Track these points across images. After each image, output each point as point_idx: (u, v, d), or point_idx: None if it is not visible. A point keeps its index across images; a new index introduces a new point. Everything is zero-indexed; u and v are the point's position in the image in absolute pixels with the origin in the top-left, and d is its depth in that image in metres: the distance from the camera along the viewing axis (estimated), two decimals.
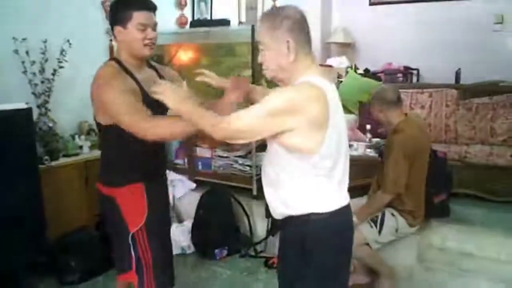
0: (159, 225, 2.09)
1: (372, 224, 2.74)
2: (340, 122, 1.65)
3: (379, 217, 2.76)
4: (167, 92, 1.69)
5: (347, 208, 1.73)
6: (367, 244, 2.73)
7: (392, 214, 2.79)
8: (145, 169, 2.02)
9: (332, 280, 1.72)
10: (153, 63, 2.13)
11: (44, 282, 3.03)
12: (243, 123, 1.56)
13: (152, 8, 1.92)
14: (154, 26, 1.92)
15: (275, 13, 1.64)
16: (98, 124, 1.97)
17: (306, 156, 1.59)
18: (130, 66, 1.93)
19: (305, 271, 1.69)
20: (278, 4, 6.04)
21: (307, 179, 1.63)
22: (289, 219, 1.69)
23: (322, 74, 1.66)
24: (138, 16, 1.86)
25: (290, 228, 1.73)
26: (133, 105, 1.80)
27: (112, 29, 1.93)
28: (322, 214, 1.64)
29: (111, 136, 1.95)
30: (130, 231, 1.95)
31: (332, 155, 1.62)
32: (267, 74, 1.67)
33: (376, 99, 2.82)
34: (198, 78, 2.05)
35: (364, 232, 2.71)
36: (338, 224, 1.69)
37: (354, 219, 2.61)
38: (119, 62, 1.93)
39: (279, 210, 1.71)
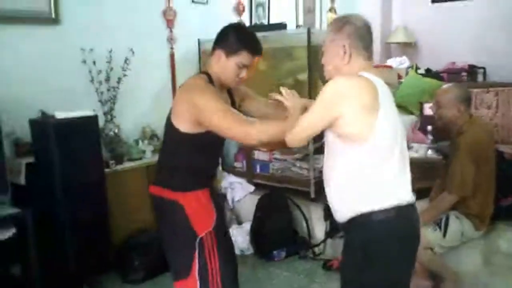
0: (223, 228, 2.12)
1: (436, 227, 2.66)
2: (394, 117, 1.72)
3: (443, 220, 2.68)
4: (292, 95, 1.91)
5: (412, 207, 1.72)
6: (431, 248, 2.66)
7: (457, 217, 2.70)
8: (209, 175, 2.08)
9: (394, 284, 1.72)
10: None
11: (109, 281, 3.18)
12: (305, 126, 1.71)
13: (260, 54, 1.97)
14: (250, 68, 1.99)
15: (340, 19, 1.79)
16: (176, 131, 1.94)
17: (359, 144, 1.63)
18: (216, 84, 1.98)
19: (365, 274, 1.67)
20: (336, 6, 6.02)
21: (363, 168, 1.66)
22: (352, 221, 1.70)
23: (376, 74, 1.72)
24: (245, 57, 1.92)
25: (352, 230, 1.73)
26: (232, 111, 1.86)
27: (215, 46, 1.97)
28: (385, 211, 1.64)
29: (186, 143, 1.95)
30: (198, 235, 1.94)
31: (386, 143, 1.65)
32: (325, 74, 1.80)
33: (457, 98, 2.71)
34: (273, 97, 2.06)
35: (428, 235, 2.63)
36: (403, 225, 1.69)
37: None
38: (209, 76, 1.97)
39: (345, 208, 1.73)
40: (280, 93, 1.94)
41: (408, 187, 1.73)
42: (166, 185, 2.01)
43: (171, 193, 1.98)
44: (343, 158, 1.69)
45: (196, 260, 1.96)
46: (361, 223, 1.67)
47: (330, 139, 1.74)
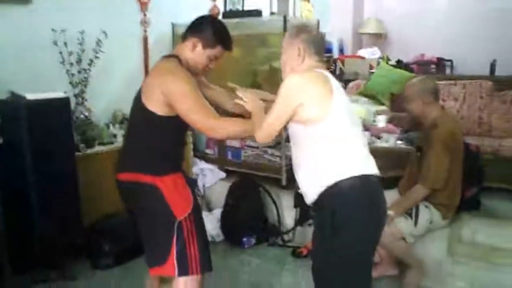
0: (199, 211, 2.15)
1: (407, 216, 2.74)
2: (348, 104, 1.97)
3: (414, 209, 2.75)
4: (251, 98, 2.06)
5: (372, 178, 1.88)
6: (403, 238, 2.73)
7: (426, 206, 2.79)
8: (180, 158, 2.13)
9: (359, 253, 1.87)
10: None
11: (79, 265, 3.14)
12: (271, 121, 1.89)
13: (231, 50, 2.11)
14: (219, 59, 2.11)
15: (298, 27, 2.08)
16: (150, 114, 1.95)
17: (319, 123, 1.84)
18: (185, 68, 2.02)
19: (334, 243, 1.83)
20: None
21: (326, 145, 1.85)
22: (324, 194, 1.85)
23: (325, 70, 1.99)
24: (219, 51, 2.06)
25: (322, 205, 1.88)
26: (204, 101, 1.94)
27: (190, 34, 2.05)
28: (352, 178, 1.81)
29: (160, 126, 1.97)
30: (177, 218, 1.96)
31: (343, 121, 1.87)
32: (283, 76, 2.01)
33: (422, 90, 2.77)
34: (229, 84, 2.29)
35: (400, 225, 2.71)
36: (370, 192, 1.87)
37: (391, 212, 2.64)
38: (180, 62, 2.02)
39: (314, 186, 1.89)
40: (240, 97, 2.09)
41: (371, 161, 1.93)
42: (141, 170, 2.00)
43: (148, 177, 1.98)
44: (307, 140, 1.90)
45: (174, 245, 1.97)
46: (329, 194, 1.84)
47: (293, 129, 1.94)
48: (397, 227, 2.70)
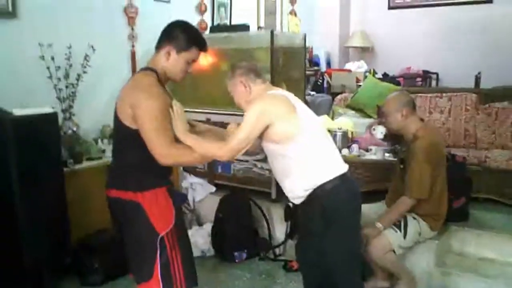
0: (183, 226, 2.13)
1: (396, 229, 2.75)
2: (308, 110, 2.21)
3: (402, 222, 2.77)
4: (179, 120, 1.98)
5: (348, 174, 2.19)
6: (392, 250, 2.74)
7: (414, 218, 2.80)
8: (165, 172, 2.06)
9: (352, 238, 2.23)
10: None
11: (67, 283, 3.09)
12: (237, 143, 2.02)
13: (206, 51, 2.07)
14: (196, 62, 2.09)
15: (231, 69, 2.29)
16: (125, 128, 1.95)
17: (292, 139, 2.06)
18: (162, 80, 2.01)
19: (328, 233, 2.12)
20: (296, 9, 6.09)
21: (304, 156, 2.10)
22: (310, 196, 2.13)
23: (277, 89, 2.25)
24: (194, 54, 2.02)
25: (311, 203, 2.14)
26: (166, 125, 1.92)
27: (162, 43, 2.00)
28: (334, 179, 2.10)
29: (137, 140, 1.93)
30: (159, 234, 1.94)
31: (316, 129, 2.15)
32: (243, 108, 2.21)
33: (399, 104, 2.80)
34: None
35: (389, 237, 2.72)
36: (348, 187, 2.16)
37: (379, 225, 2.66)
38: (157, 74, 1.99)
39: (300, 192, 2.15)
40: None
41: (341, 160, 2.21)
42: (123, 186, 1.99)
43: (128, 193, 1.97)
44: (286, 155, 2.11)
45: (158, 261, 1.95)
46: (316, 196, 2.11)
47: (269, 148, 2.16)
48: (386, 239, 2.71)
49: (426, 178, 2.69)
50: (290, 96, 2.16)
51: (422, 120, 2.91)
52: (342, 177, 2.13)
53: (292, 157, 2.10)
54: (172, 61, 1.99)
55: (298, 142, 2.08)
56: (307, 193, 2.14)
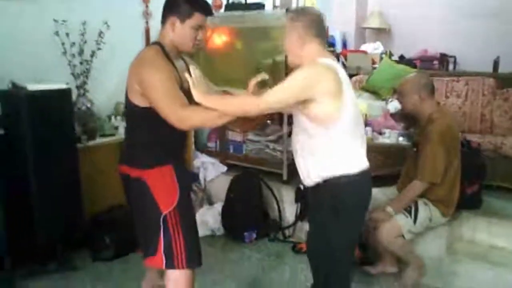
0: (188, 206, 2.13)
1: (407, 214, 2.74)
2: (353, 95, 1.99)
3: (413, 207, 2.76)
4: (196, 84, 1.90)
5: (368, 171, 2.05)
6: (402, 235, 2.74)
7: (425, 204, 2.79)
8: (174, 151, 2.08)
9: (354, 231, 2.12)
10: (183, 56, 2.14)
11: (79, 257, 3.15)
12: (273, 100, 1.87)
13: (211, 14, 2.03)
14: (204, 28, 2.02)
15: (296, 10, 2.11)
16: (132, 105, 1.97)
17: (328, 125, 1.91)
18: (171, 54, 1.99)
19: (334, 224, 2.01)
20: None
21: (335, 144, 1.94)
22: (323, 183, 1.99)
23: (333, 59, 2.02)
24: (198, 18, 1.96)
25: (323, 191, 2.01)
26: (173, 92, 1.87)
27: (166, 15, 1.99)
28: (350, 175, 1.96)
29: (145, 118, 1.96)
30: (162, 212, 1.97)
31: (352, 121, 1.95)
32: (289, 60, 2.06)
33: (417, 86, 2.77)
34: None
35: (399, 223, 2.71)
36: (363, 185, 2.05)
37: (390, 209, 2.64)
38: (163, 48, 1.97)
39: (315, 175, 2.01)
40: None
41: (365, 156, 2.05)
42: (131, 163, 2.04)
43: (135, 170, 2.01)
44: (312, 136, 1.97)
45: (161, 238, 1.99)
46: (330, 186, 1.98)
47: (299, 119, 2.00)
48: (396, 224, 2.70)
49: (440, 162, 2.67)
50: (341, 72, 1.95)
51: (438, 103, 2.87)
52: (359, 174, 1.99)
53: (319, 141, 1.96)
54: (178, 31, 1.97)
55: (331, 129, 1.92)
56: (321, 180, 1.99)
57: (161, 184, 2.00)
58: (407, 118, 3.02)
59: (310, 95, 1.86)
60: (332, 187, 1.98)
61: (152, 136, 2.01)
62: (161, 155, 2.02)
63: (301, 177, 2.11)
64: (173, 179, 2.02)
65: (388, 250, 2.82)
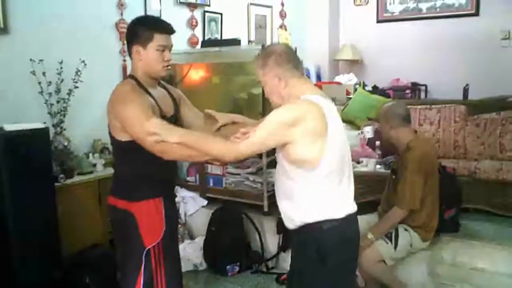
0: (172, 241, 2.11)
1: (387, 240, 2.76)
2: (341, 133, 1.85)
3: (393, 233, 2.78)
4: (162, 129, 1.79)
5: (355, 215, 1.89)
6: (383, 261, 2.75)
7: (405, 229, 2.81)
8: (162, 184, 2.07)
9: (343, 283, 1.90)
10: (163, 83, 2.17)
11: None
12: (251, 145, 1.75)
13: (171, 32, 2.01)
14: (170, 48, 2.01)
15: (261, 54, 1.90)
16: (115, 141, 1.99)
17: (309, 169, 1.75)
18: (146, 84, 1.99)
19: (320, 271, 1.82)
20: (286, 23, 6.16)
21: (317, 188, 1.79)
22: (304, 227, 1.83)
23: (316, 92, 1.87)
24: (159, 39, 1.94)
25: (305, 236, 1.85)
26: (146, 117, 1.83)
27: (129, 47, 1.99)
28: (334, 220, 1.80)
29: (129, 152, 1.97)
30: (145, 246, 1.95)
31: (336, 163, 1.79)
32: (273, 105, 1.89)
33: (387, 115, 2.85)
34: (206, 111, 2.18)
35: (380, 249, 2.73)
36: (348, 231, 1.87)
37: (370, 236, 2.66)
38: (135, 79, 1.98)
39: (295, 219, 1.85)
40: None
41: (352, 199, 1.90)
42: (118, 195, 2.03)
43: (122, 202, 2.00)
44: (292, 178, 1.81)
45: (142, 273, 1.96)
46: (312, 231, 1.82)
47: (279, 159, 1.86)
48: (377, 250, 2.72)
49: (418, 189, 2.71)
50: (328, 106, 1.79)
51: (415, 131, 2.94)
52: (344, 219, 1.82)
53: (299, 184, 1.80)
54: (144, 58, 1.95)
55: (311, 172, 1.76)
56: (302, 224, 1.84)
57: (148, 218, 1.98)
58: (388, 147, 3.08)
59: (289, 137, 1.71)
60: (314, 233, 1.82)
61: (138, 169, 2.00)
62: (149, 188, 2.01)
63: (283, 219, 1.94)
64: (161, 212, 2.01)
65: (371, 276, 2.83)
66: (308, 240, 1.84)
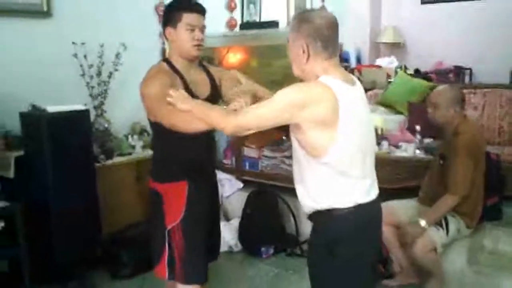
0: (196, 223, 2.08)
1: (438, 226, 2.70)
2: (359, 121, 1.68)
3: (443, 219, 2.72)
4: (177, 100, 1.84)
5: (370, 205, 1.74)
6: (435, 249, 2.69)
7: (453, 216, 2.76)
8: (190, 167, 2.07)
9: (355, 276, 1.75)
10: (205, 64, 2.19)
11: (98, 276, 3.16)
12: (249, 120, 1.67)
13: (201, 11, 2.00)
14: (202, 28, 2.00)
15: (299, 17, 1.72)
16: (149, 121, 2.06)
17: (319, 156, 1.63)
18: (181, 67, 2.01)
19: (329, 264, 1.72)
20: (326, 4, 6.05)
21: (324, 176, 1.67)
22: (316, 214, 1.75)
23: (340, 75, 1.68)
24: (187, 17, 1.96)
25: (315, 224, 1.80)
26: (162, 98, 1.86)
27: (164, 30, 2.02)
28: (343, 209, 1.68)
29: (158, 133, 2.05)
30: (166, 226, 2.03)
31: (347, 154, 1.64)
32: (294, 72, 1.75)
33: (453, 98, 2.75)
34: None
35: (432, 236, 2.67)
36: (360, 220, 1.71)
37: (423, 223, 2.61)
38: (169, 62, 2.02)
39: (308, 205, 1.77)
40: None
41: (369, 189, 1.75)
42: (152, 176, 2.12)
43: (155, 183, 2.10)
44: (307, 164, 1.70)
45: (166, 249, 2.05)
46: (323, 219, 1.72)
47: (293, 144, 1.74)
48: (430, 238, 2.66)
49: (469, 175, 2.65)
50: (345, 93, 1.62)
51: (465, 116, 2.85)
52: (359, 207, 1.70)
53: (308, 170, 1.70)
54: (175, 39, 1.99)
55: (319, 159, 1.64)
56: (313, 210, 1.75)
57: (171, 200, 2.05)
58: (432, 130, 2.99)
59: (293, 119, 1.60)
60: (324, 221, 1.73)
61: (167, 151, 2.07)
62: (176, 170, 2.05)
63: (301, 204, 1.84)
64: (183, 196, 2.04)
65: (421, 264, 2.77)
66: (318, 228, 1.78)
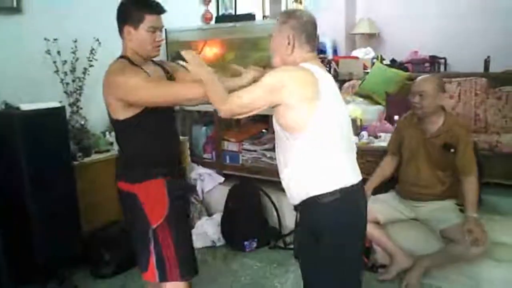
0: (180, 218, 2.09)
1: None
2: (337, 104, 1.83)
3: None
4: (189, 56, 1.86)
5: (355, 191, 1.83)
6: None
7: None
8: (164, 162, 2.04)
9: (343, 260, 1.81)
10: (155, 60, 2.14)
11: (78, 275, 3.12)
12: (242, 100, 1.77)
13: (162, 12, 1.98)
14: (161, 29, 2.01)
15: (287, 12, 1.93)
16: (115, 122, 1.99)
17: (299, 132, 1.72)
18: (137, 62, 1.98)
19: (317, 252, 1.80)
20: None
21: (308, 155, 1.75)
22: (303, 204, 1.81)
23: (317, 63, 1.84)
24: (150, 19, 1.93)
25: (303, 213, 1.86)
26: (146, 78, 1.90)
27: (121, 27, 1.97)
28: (328, 195, 1.75)
29: (128, 131, 1.98)
30: (151, 225, 1.97)
31: (326, 131, 1.75)
32: (272, 62, 1.89)
33: (439, 87, 2.78)
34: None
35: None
36: (345, 207, 1.79)
37: (476, 215, 2.64)
38: (128, 59, 1.98)
39: (294, 191, 1.83)
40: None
41: (353, 170, 1.85)
42: (122, 178, 2.05)
43: (127, 185, 2.02)
44: (288, 147, 1.79)
45: (152, 251, 1.99)
46: (310, 206, 1.79)
47: (276, 130, 1.83)
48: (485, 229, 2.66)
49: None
50: (324, 79, 1.77)
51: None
52: (345, 190, 1.76)
53: (291, 150, 1.77)
54: (135, 38, 1.95)
55: (299, 139, 1.73)
56: (300, 201, 1.82)
57: (151, 198, 1.99)
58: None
59: (279, 99, 1.71)
60: (310, 210, 1.80)
61: (138, 149, 2.00)
62: (150, 168, 2.00)
63: (287, 194, 1.91)
64: (163, 192, 2.01)
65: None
66: (304, 218, 1.85)
